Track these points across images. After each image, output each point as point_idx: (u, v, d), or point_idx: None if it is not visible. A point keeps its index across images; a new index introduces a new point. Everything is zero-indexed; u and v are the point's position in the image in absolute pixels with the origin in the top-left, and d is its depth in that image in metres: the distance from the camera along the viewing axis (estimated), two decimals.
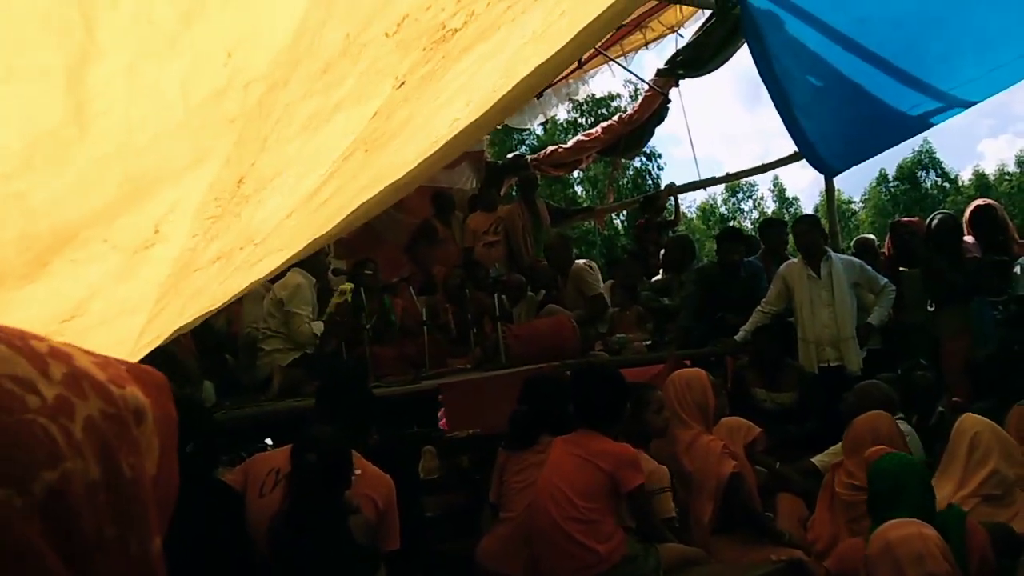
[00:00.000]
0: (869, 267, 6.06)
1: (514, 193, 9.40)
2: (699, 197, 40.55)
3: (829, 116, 6.39)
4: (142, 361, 0.94)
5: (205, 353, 5.28)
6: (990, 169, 43.56)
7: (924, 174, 43.06)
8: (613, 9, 1.25)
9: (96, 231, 0.87)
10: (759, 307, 5.91)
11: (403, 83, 1.10)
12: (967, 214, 6.20)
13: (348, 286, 5.43)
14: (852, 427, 3.91)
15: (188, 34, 0.72)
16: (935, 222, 6.04)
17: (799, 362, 5.65)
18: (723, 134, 73.33)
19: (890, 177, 43.03)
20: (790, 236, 6.96)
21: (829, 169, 7.03)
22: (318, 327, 5.24)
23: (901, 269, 6.34)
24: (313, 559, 2.81)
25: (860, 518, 3.56)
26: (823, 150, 6.60)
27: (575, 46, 1.39)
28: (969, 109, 6.08)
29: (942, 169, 43.11)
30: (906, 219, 6.98)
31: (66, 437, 0.52)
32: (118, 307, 1.09)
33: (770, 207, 44.09)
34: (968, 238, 6.06)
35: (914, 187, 42.21)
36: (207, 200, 0.99)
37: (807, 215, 6.97)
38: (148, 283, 1.10)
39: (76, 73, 0.68)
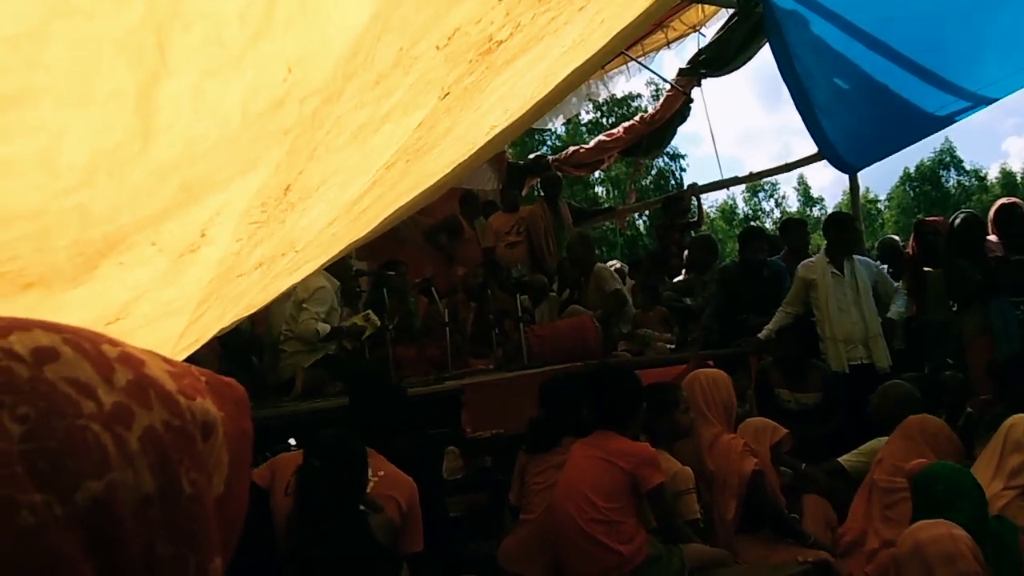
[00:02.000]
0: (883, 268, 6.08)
1: (536, 193, 9.42)
2: (720, 197, 40.38)
3: (850, 114, 6.37)
4: None
5: (230, 354, 5.33)
6: (1016, 167, 43.08)
7: (946, 173, 42.58)
8: (646, 12, 1.26)
9: (145, 235, 0.89)
10: (781, 308, 5.88)
11: (448, 93, 1.11)
12: (992, 212, 6.12)
13: (376, 320, 5.44)
14: (907, 422, 3.94)
15: (253, 52, 0.74)
16: (958, 221, 5.98)
17: (826, 362, 5.61)
18: (742, 133, 72.98)
19: (913, 176, 42.60)
20: (811, 236, 6.93)
21: (849, 167, 7.00)
22: (325, 328, 5.27)
23: (925, 269, 6.28)
24: (327, 561, 2.82)
25: (895, 504, 3.55)
26: (843, 148, 6.58)
27: (608, 51, 1.40)
28: (992, 107, 6.05)
29: (963, 168, 42.62)
30: (930, 218, 6.90)
31: (118, 446, 0.51)
32: (162, 309, 1.11)
33: (792, 206, 43.82)
34: (992, 237, 5.99)
35: (936, 187, 41.75)
36: (253, 206, 1.01)
37: (843, 213, 6.90)
38: (192, 286, 1.12)
39: (146, 93, 0.69)
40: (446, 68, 1.03)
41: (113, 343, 0.56)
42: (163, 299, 1.10)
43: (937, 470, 3.14)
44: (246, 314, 1.54)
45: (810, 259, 6.04)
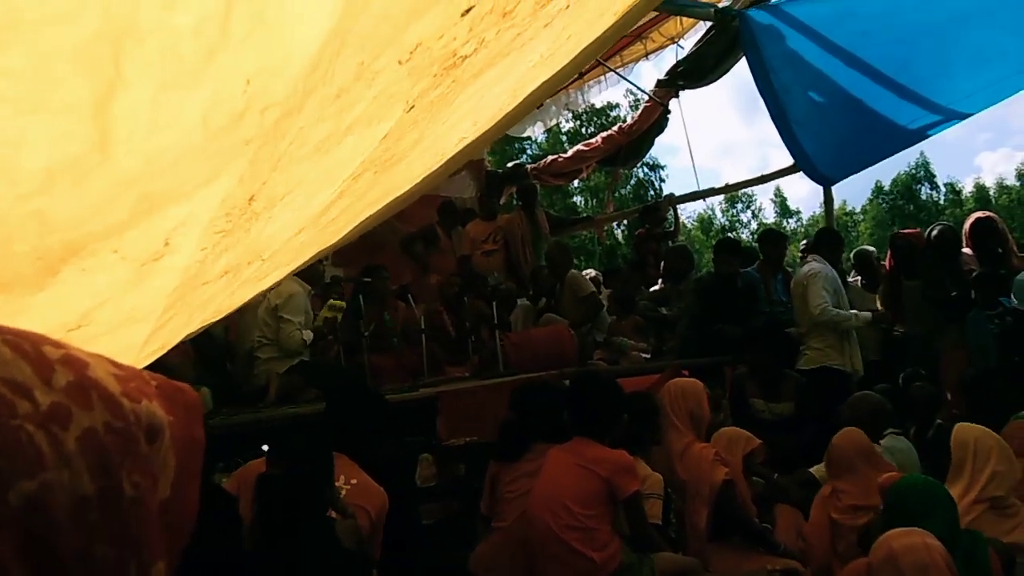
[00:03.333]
0: None
1: (514, 202, 9.44)
2: (698, 207, 40.64)
3: (826, 128, 6.45)
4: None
5: (204, 360, 5.29)
6: (989, 182, 43.69)
7: (921, 187, 43.13)
8: (616, 26, 1.27)
9: (107, 243, 0.89)
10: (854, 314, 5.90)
11: (413, 107, 1.12)
12: (967, 226, 6.21)
13: (340, 303, 5.44)
14: (834, 447, 3.91)
15: (211, 66, 0.74)
16: (934, 233, 6.06)
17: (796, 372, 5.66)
18: (720, 144, 73.51)
19: (886, 189, 43.12)
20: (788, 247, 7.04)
21: (824, 179, 7.08)
22: (308, 335, 5.25)
23: (903, 281, 6.35)
24: (291, 567, 2.79)
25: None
26: (818, 160, 6.66)
27: (578, 63, 1.42)
28: (966, 121, 6.14)
29: (936, 183, 43.22)
30: (905, 231, 6.99)
31: (54, 446, 0.50)
32: (125, 316, 1.11)
33: (769, 218, 44.20)
34: (967, 250, 6.07)
35: (910, 200, 42.28)
36: (218, 215, 1.01)
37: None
38: (156, 294, 1.11)
39: (102, 105, 0.69)
40: (410, 82, 1.04)
41: (57, 345, 0.55)
42: (126, 306, 1.10)
43: (910, 482, 3.16)
44: (214, 319, 1.54)
45: (817, 264, 6.06)
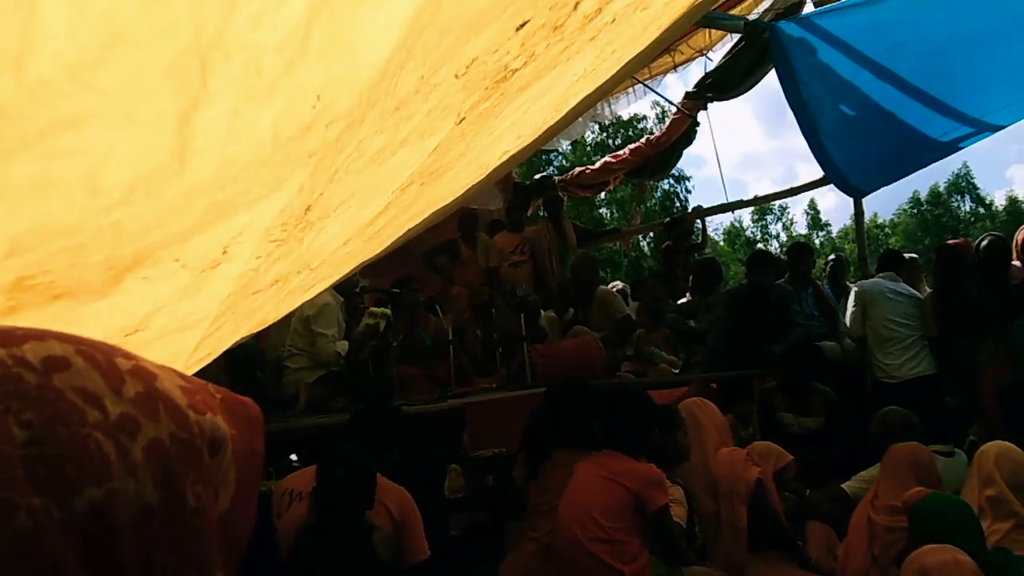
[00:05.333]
0: None
1: (541, 214, 9.44)
2: (725, 220, 40.43)
3: (856, 140, 6.40)
4: None
5: (235, 368, 5.33)
6: (1022, 194, 43.01)
7: (959, 199, 42.46)
8: (657, 41, 1.29)
9: (170, 251, 0.91)
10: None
11: (463, 119, 1.13)
12: (1018, 238, 6.11)
13: (381, 310, 5.43)
14: (889, 452, 3.87)
15: (286, 80, 0.76)
16: (984, 244, 5.97)
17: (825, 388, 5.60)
18: (744, 156, 73.28)
19: (923, 200, 42.48)
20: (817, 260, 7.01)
21: (855, 191, 7.02)
22: (343, 347, 5.28)
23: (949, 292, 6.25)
24: (337, 574, 2.83)
25: (895, 544, 3.51)
26: (849, 172, 6.60)
27: (618, 78, 1.43)
28: (997, 134, 6.08)
29: (977, 194, 42.44)
30: (953, 241, 6.91)
31: (121, 456, 0.51)
32: (179, 322, 1.13)
33: (799, 230, 43.80)
34: (1016, 263, 5.96)
35: (946, 211, 41.64)
36: (275, 225, 1.03)
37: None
38: (210, 301, 1.14)
39: (186, 117, 0.71)
40: (463, 95, 1.06)
41: (128, 356, 0.57)
42: (180, 313, 1.12)
43: (936, 501, 3.12)
44: (259, 329, 1.56)
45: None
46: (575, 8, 1.02)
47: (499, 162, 1.45)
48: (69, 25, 0.55)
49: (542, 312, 6.95)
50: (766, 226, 43.46)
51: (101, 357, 0.54)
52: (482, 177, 1.47)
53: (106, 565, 0.49)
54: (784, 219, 43.62)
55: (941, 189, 41.86)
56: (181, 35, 0.61)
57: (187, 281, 1.01)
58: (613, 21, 1.12)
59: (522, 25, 0.95)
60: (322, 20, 0.70)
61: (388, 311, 5.47)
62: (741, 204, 9.80)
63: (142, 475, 0.52)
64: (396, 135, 1.06)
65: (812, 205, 44.32)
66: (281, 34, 0.69)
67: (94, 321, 0.93)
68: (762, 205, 35.83)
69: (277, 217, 0.99)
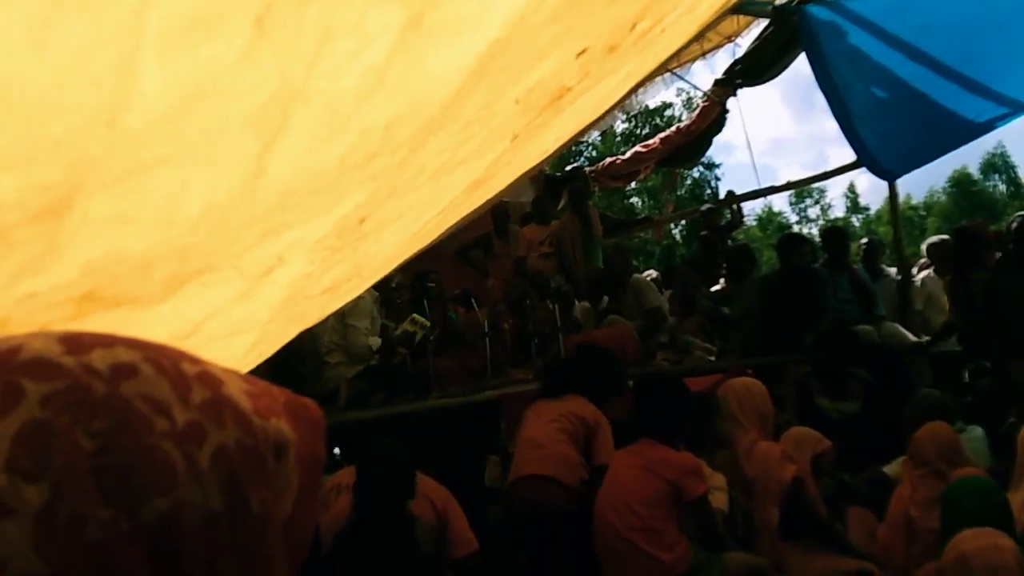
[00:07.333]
0: None
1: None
2: (757, 205, 39.87)
3: (888, 122, 6.33)
4: None
5: (277, 363, 5.41)
6: None
7: (997, 177, 41.40)
8: (690, 38, 1.31)
9: (229, 261, 0.95)
10: None
11: (517, 136, 1.16)
12: None
13: (424, 320, 5.47)
14: (915, 441, 3.85)
15: (358, 116, 0.79)
16: (1015, 225, 5.89)
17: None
18: (773, 141, 72.17)
19: (958, 181, 41.49)
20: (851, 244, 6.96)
21: (888, 173, 6.94)
22: (375, 342, 5.33)
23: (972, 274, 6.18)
24: (380, 568, 2.88)
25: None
26: (881, 155, 6.53)
27: (652, 74, 1.46)
28: None
29: (1015, 174, 41.35)
30: (969, 224, 6.81)
31: (188, 464, 0.51)
32: (232, 327, 1.16)
33: (837, 213, 43.01)
34: None
35: (981, 192, 40.65)
36: (330, 233, 1.06)
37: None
38: (263, 306, 1.17)
39: (262, 156, 0.75)
40: (521, 118, 1.09)
41: (194, 361, 0.56)
42: (233, 318, 1.14)
43: (968, 484, 3.11)
44: (303, 328, 1.61)
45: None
46: (632, 28, 1.05)
47: (539, 159, 1.49)
48: (163, 84, 0.58)
49: (576, 302, 6.97)
50: (804, 210, 42.75)
51: (168, 363, 0.54)
52: (521, 173, 1.51)
53: (173, 573, 0.49)
54: (822, 202, 42.89)
55: (972, 170, 40.86)
56: (265, 89, 0.64)
57: (243, 288, 1.04)
58: (663, 31, 1.15)
59: (582, 52, 0.98)
60: (398, 61, 0.73)
61: (428, 322, 5.50)
62: (773, 190, 9.74)
63: (208, 483, 0.52)
64: (456, 155, 1.09)
65: (852, 188, 43.50)
66: (358, 79, 0.72)
67: (151, 325, 0.96)
68: (798, 189, 35.33)
69: (333, 227, 1.03)
